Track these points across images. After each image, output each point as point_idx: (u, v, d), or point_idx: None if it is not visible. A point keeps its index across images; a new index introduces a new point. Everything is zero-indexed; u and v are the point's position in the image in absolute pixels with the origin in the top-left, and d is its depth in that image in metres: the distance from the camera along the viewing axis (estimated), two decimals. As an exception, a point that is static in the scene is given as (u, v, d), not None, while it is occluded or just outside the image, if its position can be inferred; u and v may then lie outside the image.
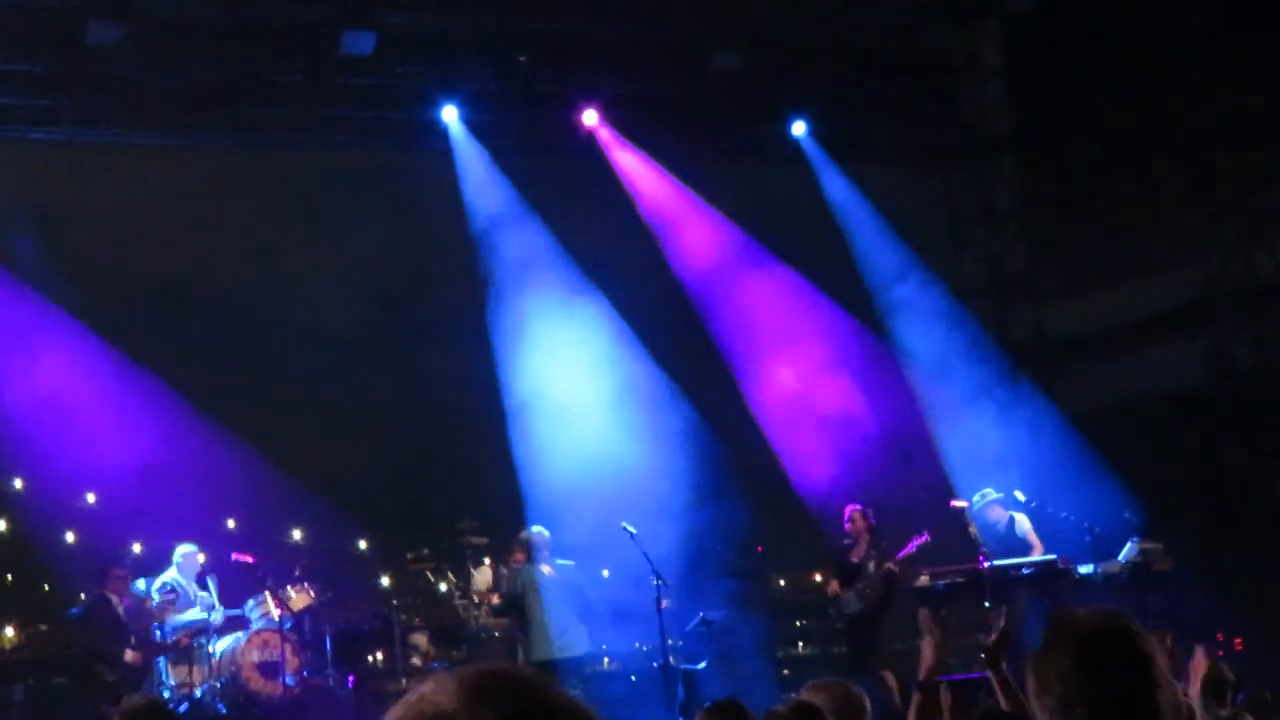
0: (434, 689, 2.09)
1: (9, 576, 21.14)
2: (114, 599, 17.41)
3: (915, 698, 7.22)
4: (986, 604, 17.59)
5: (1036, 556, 18.25)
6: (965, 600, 18.21)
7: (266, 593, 18.24)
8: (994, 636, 7.16)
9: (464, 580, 19.22)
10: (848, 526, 18.43)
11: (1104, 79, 22.35)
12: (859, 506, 18.52)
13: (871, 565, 18.16)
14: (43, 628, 19.57)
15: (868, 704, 6.27)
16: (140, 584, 17.91)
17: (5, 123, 18.90)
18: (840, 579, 18.22)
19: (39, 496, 19.83)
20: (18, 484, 20.20)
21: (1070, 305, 23.88)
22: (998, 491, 18.96)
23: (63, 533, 19.90)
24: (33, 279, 19.16)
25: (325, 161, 20.90)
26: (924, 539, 18.25)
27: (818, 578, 18.35)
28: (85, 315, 19.54)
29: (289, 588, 18.31)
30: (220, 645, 18.09)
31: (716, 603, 19.26)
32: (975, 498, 18.99)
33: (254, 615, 18.27)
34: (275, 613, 18.13)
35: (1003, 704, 6.98)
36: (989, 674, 7.19)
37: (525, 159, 21.73)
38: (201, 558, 19.03)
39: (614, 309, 21.38)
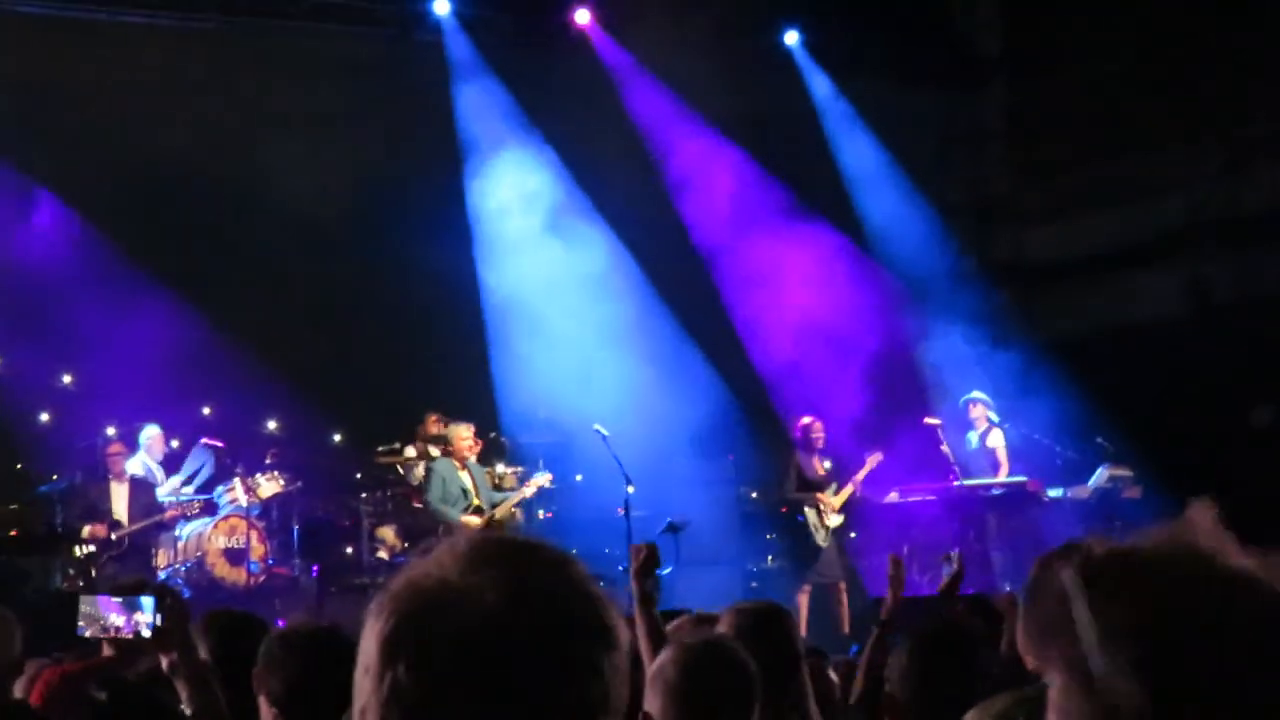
0: (436, 558, 2.05)
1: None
2: (111, 477, 17.49)
3: (873, 634, 7.24)
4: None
5: (1004, 477, 18.33)
6: (935, 519, 18.32)
7: (236, 478, 18.26)
8: (947, 579, 7.24)
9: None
10: (810, 437, 18.39)
11: (1097, 4, 22.29)
12: (818, 418, 18.51)
13: (835, 480, 18.21)
14: (13, 506, 19.53)
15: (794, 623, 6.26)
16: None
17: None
18: (808, 490, 18.22)
19: (16, 376, 19.76)
20: (-5, 362, 20.16)
21: (1053, 230, 23.90)
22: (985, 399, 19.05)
23: (38, 413, 19.86)
24: (13, 155, 19.04)
25: (314, 48, 20.73)
26: (875, 457, 18.29)
27: (819, 497, 18.31)
28: (66, 194, 19.44)
29: (259, 475, 18.32)
30: (187, 529, 18.15)
31: (685, 510, 19.29)
32: (963, 398, 19.06)
33: (222, 501, 18.30)
34: (244, 499, 18.16)
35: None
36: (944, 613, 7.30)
37: (516, 55, 21.62)
38: (175, 442, 19.11)
39: (598, 210, 21.37)
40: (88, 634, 5.76)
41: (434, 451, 18.94)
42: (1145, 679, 1.98)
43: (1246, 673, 1.99)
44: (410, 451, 19.38)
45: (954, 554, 7.42)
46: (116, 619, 5.65)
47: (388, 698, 1.96)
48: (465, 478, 17.72)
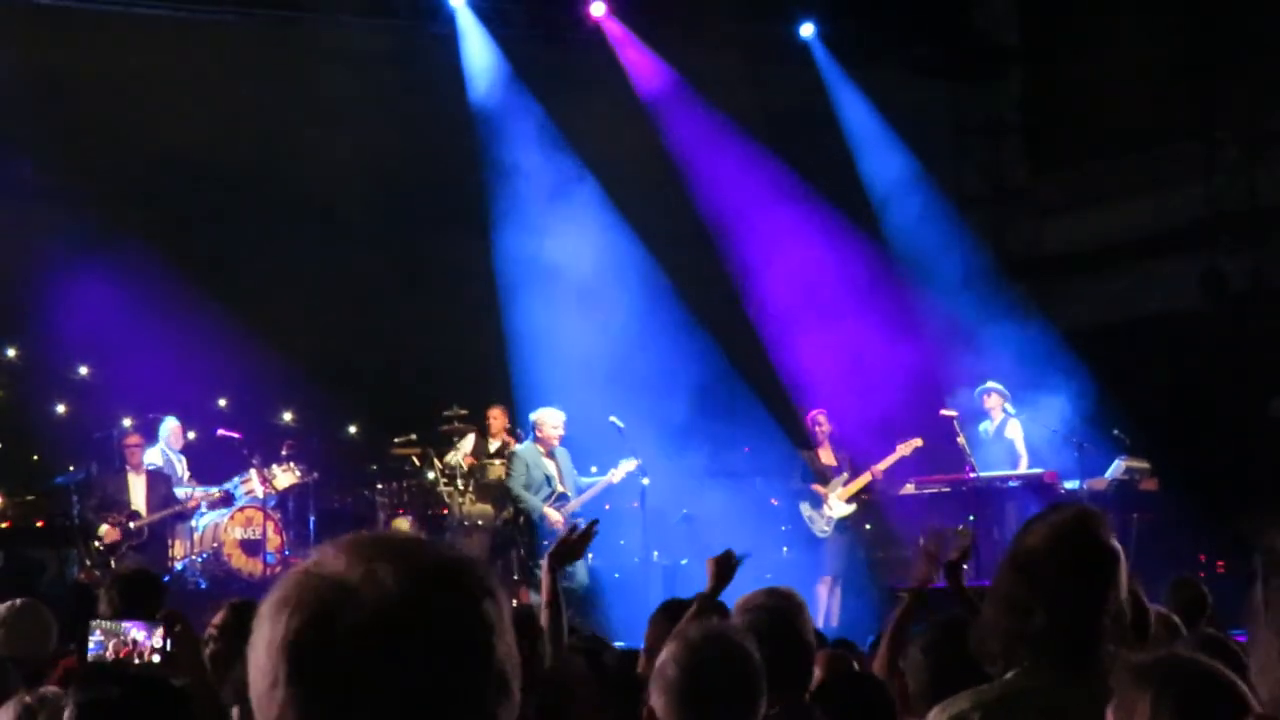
0: (322, 558, 2.07)
1: (0, 445, 21.12)
2: (129, 468, 17.46)
3: (903, 602, 7.31)
4: (971, 516, 17.68)
5: (1023, 468, 18.29)
6: (951, 510, 18.27)
7: (252, 469, 18.30)
8: (956, 553, 7.28)
9: (447, 468, 19.20)
10: (814, 429, 18.44)
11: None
12: (823, 410, 18.54)
13: (846, 470, 18.20)
14: (29, 497, 19.57)
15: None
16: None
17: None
18: (817, 482, 18.25)
19: (33, 367, 19.80)
20: (11, 353, 20.17)
21: (1069, 221, 23.85)
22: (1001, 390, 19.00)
23: (54, 404, 19.88)
24: (29, 145, 19.03)
25: (330, 39, 20.71)
26: (911, 444, 18.23)
27: (817, 489, 18.31)
28: (83, 185, 19.43)
29: (275, 466, 18.35)
30: (204, 520, 18.19)
31: (701, 502, 19.28)
32: (978, 389, 19.01)
33: (239, 492, 18.34)
34: (260, 490, 18.19)
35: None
36: (949, 586, 7.35)
37: (531, 47, 21.61)
38: (191, 434, 19.13)
39: (612, 200, 21.33)
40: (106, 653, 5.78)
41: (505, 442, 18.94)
42: None
43: None
44: (485, 443, 19.31)
45: (967, 528, 7.47)
46: (138, 634, 5.70)
47: (298, 700, 1.98)
48: (549, 464, 17.23)
